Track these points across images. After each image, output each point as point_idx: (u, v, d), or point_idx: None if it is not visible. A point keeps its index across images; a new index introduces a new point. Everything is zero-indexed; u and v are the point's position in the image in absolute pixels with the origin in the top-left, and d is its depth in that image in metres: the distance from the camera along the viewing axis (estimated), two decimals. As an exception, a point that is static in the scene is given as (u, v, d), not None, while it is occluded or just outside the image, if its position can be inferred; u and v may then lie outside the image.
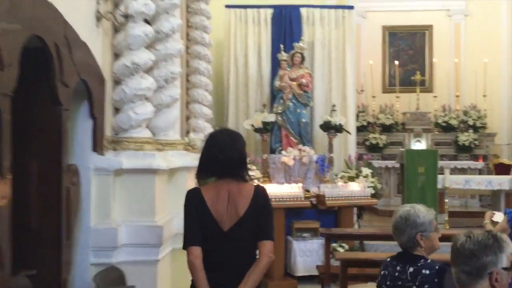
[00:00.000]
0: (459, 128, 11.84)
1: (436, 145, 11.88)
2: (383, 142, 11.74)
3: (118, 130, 3.49)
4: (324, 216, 6.22)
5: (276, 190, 5.90)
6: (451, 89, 12.52)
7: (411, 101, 12.42)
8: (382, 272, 2.61)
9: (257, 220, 2.28)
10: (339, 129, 6.49)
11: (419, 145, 11.85)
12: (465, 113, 12.05)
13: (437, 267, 2.40)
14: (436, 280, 2.37)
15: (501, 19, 12.41)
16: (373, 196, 6.38)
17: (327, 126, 6.54)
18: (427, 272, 2.40)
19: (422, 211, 2.57)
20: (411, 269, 2.45)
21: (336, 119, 6.45)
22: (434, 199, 7.72)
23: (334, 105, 6.69)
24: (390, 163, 11.21)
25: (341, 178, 6.52)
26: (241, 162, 2.37)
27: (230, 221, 2.29)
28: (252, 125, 6.64)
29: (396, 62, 12.42)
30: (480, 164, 11.40)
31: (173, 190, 3.82)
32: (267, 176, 6.65)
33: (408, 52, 13.04)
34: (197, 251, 2.28)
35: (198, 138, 5.26)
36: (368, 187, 6.35)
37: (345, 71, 7.40)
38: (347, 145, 7.42)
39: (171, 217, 3.71)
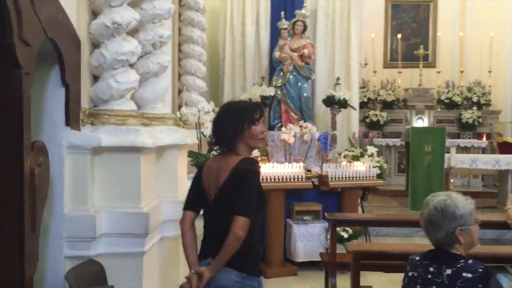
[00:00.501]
0: (463, 105, 11.51)
1: (438, 122, 11.57)
2: (383, 119, 11.40)
3: (97, 102, 3.00)
4: (326, 198, 5.79)
5: (275, 170, 5.45)
6: (455, 64, 12.13)
7: (413, 77, 12.04)
8: (410, 274, 2.18)
9: (233, 193, 2.25)
10: (343, 104, 6.01)
11: (421, 122, 11.49)
12: (469, 89, 11.70)
13: (480, 270, 1.97)
14: (479, 286, 1.93)
15: (508, -9, 11.86)
16: (379, 176, 5.95)
17: (330, 101, 6.06)
18: (469, 275, 1.96)
19: (460, 201, 2.13)
20: (448, 271, 2.02)
21: (341, 93, 5.96)
22: (440, 179, 7.33)
23: (338, 78, 6.19)
24: (390, 141, 10.83)
25: (345, 157, 6.07)
26: (229, 135, 2.33)
27: (214, 192, 2.33)
28: (250, 99, 6.13)
29: (399, 36, 11.94)
30: (483, 142, 11.10)
31: (161, 172, 3.36)
32: (266, 155, 6.19)
33: (411, 25, 12.54)
34: (185, 215, 2.43)
35: (191, 113, 4.77)
36: (374, 167, 5.91)
37: (349, 42, 6.89)
38: (350, 122, 6.96)
39: (159, 202, 3.25)
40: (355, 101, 6.77)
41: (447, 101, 11.58)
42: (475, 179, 11.13)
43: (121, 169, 2.90)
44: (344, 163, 5.80)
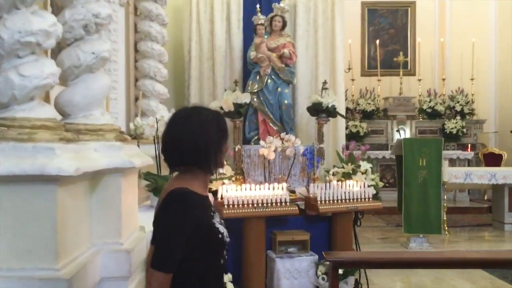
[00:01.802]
0: (446, 115, 11.03)
1: (421, 133, 11.11)
2: (364, 130, 10.78)
3: (-10, 106, 1.96)
4: (314, 224, 4.86)
5: (252, 192, 4.46)
6: (436, 72, 11.73)
7: (393, 85, 11.59)
8: None
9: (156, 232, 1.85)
10: (332, 112, 5.08)
11: (402, 133, 10.86)
12: (452, 98, 11.25)
13: None
14: None
15: (489, -4, 11.55)
16: (375, 197, 5.04)
17: (316, 109, 5.13)
18: None
19: None
20: None
21: (328, 100, 5.03)
22: (437, 197, 6.51)
23: (325, 82, 5.27)
24: (372, 153, 10.06)
25: (334, 175, 5.14)
26: (207, 150, 1.83)
27: None
28: (221, 108, 5.14)
29: (377, 42, 11.33)
30: (469, 154, 10.54)
31: (97, 208, 2.32)
32: (241, 174, 5.20)
33: (389, 31, 12.05)
34: (150, 249, 1.98)
35: (147, 124, 3.74)
36: (368, 186, 5.00)
37: (334, 41, 6.00)
38: (337, 133, 6.04)
39: (93, 253, 2.22)
40: (342, 109, 5.87)
41: (429, 110, 11.11)
42: (461, 193, 10.56)
43: (26, 209, 1.87)
44: (334, 182, 4.86)
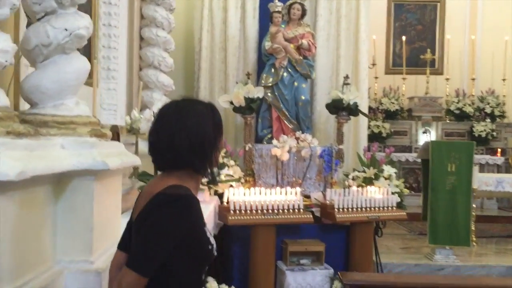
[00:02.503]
0: (475, 117, 10.43)
1: (447, 135, 10.52)
2: (386, 131, 10.26)
3: None
4: (330, 234, 4.41)
5: (262, 197, 4.01)
6: (466, 71, 11.10)
7: (418, 84, 11.00)
8: None
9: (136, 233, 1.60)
10: (354, 110, 4.58)
11: (426, 136, 10.27)
12: (482, 99, 10.65)
13: None
14: None
15: (524, -9, 10.90)
16: (399, 205, 4.54)
17: (336, 106, 4.64)
18: None
19: None
20: None
21: (350, 96, 4.54)
22: (467, 205, 5.91)
23: (347, 77, 4.77)
24: (394, 156, 9.51)
25: (354, 179, 4.65)
26: (202, 150, 1.59)
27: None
28: (231, 103, 4.69)
29: (403, 38, 10.75)
30: (499, 159, 9.93)
31: (63, 218, 1.90)
32: (251, 175, 4.75)
33: (416, 27, 11.43)
34: (115, 255, 1.76)
35: (144, 118, 3.32)
36: (392, 193, 4.50)
37: (358, 34, 5.49)
38: (359, 134, 5.54)
39: (55, 273, 1.81)
40: (365, 107, 5.36)
41: (457, 111, 10.51)
42: (489, 201, 9.94)
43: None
44: (354, 188, 4.38)
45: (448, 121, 10.49)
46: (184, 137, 1.56)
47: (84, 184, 1.92)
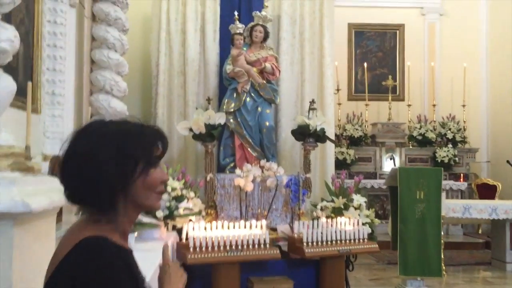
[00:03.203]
0: (437, 142, 10.46)
1: (411, 161, 10.50)
2: (351, 157, 10.10)
3: None
4: (299, 270, 4.09)
5: (225, 232, 3.66)
6: (426, 97, 11.22)
7: (381, 110, 11.00)
8: None
9: None
10: (321, 136, 4.34)
11: (390, 163, 10.20)
12: (443, 124, 10.69)
13: None
14: None
15: (480, 19, 11.45)
16: (370, 236, 4.28)
17: (302, 133, 4.38)
18: None
19: None
20: None
21: (317, 122, 4.30)
22: (437, 234, 5.73)
23: (313, 101, 4.54)
24: (360, 183, 9.31)
25: (322, 210, 4.37)
26: (104, 185, 1.18)
27: None
28: (191, 130, 4.36)
29: (365, 65, 10.79)
30: (463, 184, 9.93)
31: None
32: (213, 207, 4.39)
33: (377, 54, 11.51)
34: None
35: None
36: (363, 223, 4.25)
37: (322, 58, 5.30)
38: (325, 161, 5.29)
39: None
40: (331, 134, 5.14)
41: (419, 137, 10.51)
42: (454, 227, 9.88)
43: None
44: (323, 219, 4.09)
45: (411, 147, 10.47)
46: (73, 165, 1.20)
47: (0, 230, 1.54)
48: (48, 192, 1.78)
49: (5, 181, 1.57)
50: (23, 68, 3.38)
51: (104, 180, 1.16)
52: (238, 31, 4.65)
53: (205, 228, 3.66)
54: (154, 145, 1.22)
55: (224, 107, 4.62)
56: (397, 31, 11.29)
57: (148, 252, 2.97)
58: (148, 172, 1.19)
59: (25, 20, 3.37)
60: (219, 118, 4.33)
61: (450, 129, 10.44)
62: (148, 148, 1.21)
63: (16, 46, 1.80)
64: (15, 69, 3.25)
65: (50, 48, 3.66)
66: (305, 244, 3.87)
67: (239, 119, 4.64)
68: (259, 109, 4.66)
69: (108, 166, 1.16)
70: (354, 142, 10.27)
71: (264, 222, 3.87)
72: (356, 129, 10.37)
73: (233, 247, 3.65)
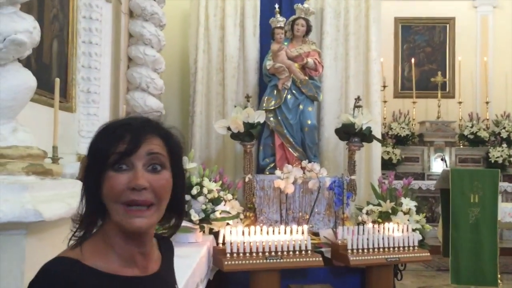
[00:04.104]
0: (490, 142, 9.95)
1: (461, 161, 10.02)
2: (397, 157, 9.77)
3: None
4: (343, 278, 3.86)
5: (264, 237, 3.46)
6: (479, 94, 10.65)
7: (429, 108, 10.55)
8: None
9: None
10: (367, 136, 4.06)
11: (441, 164, 9.73)
12: (497, 123, 10.17)
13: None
14: None
15: (536, 11, 10.61)
16: (420, 243, 3.97)
17: (347, 132, 4.11)
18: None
19: None
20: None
21: (363, 120, 4.02)
22: (493, 241, 5.32)
23: (358, 98, 4.26)
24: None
25: (368, 214, 4.09)
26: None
27: None
28: (229, 128, 4.18)
29: (412, 61, 10.36)
30: (518, 186, 9.35)
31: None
32: (252, 210, 4.19)
33: (425, 49, 11.04)
34: None
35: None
36: (413, 230, 3.94)
37: (368, 53, 5.00)
38: (371, 162, 4.99)
39: None
40: (378, 132, 4.84)
41: (471, 136, 10.03)
42: (509, 231, 9.33)
43: None
44: (369, 225, 3.82)
45: (462, 146, 10.00)
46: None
47: (11, 240, 1.39)
48: (67, 197, 1.62)
49: (17, 186, 1.42)
50: (57, 65, 3.30)
51: (84, 190, 0.98)
52: (279, 25, 4.42)
53: (243, 233, 3.48)
54: (116, 140, 0.95)
55: (264, 104, 4.41)
56: (447, 25, 10.78)
57: (182, 259, 2.81)
58: (105, 176, 0.94)
59: (59, 15, 3.28)
60: (259, 117, 4.13)
61: (504, 128, 9.93)
62: (106, 145, 0.95)
63: (35, 38, 1.65)
64: (48, 66, 3.17)
65: (85, 45, 3.57)
66: (349, 251, 3.62)
67: (279, 118, 4.41)
68: (301, 106, 4.41)
69: (88, 164, 0.99)
70: (400, 141, 9.90)
71: (305, 227, 3.64)
72: (403, 128, 9.99)
73: (273, 253, 3.45)
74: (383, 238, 3.74)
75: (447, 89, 10.55)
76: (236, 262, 3.33)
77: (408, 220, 4.04)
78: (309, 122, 4.41)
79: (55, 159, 2.19)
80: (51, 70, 3.12)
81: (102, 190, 0.94)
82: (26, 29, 1.60)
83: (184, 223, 3.34)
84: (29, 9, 2.58)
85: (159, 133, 1.00)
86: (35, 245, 1.44)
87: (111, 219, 0.95)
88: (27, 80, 1.66)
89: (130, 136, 0.95)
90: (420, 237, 4.01)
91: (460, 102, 10.19)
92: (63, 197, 1.58)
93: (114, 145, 0.94)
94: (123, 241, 0.97)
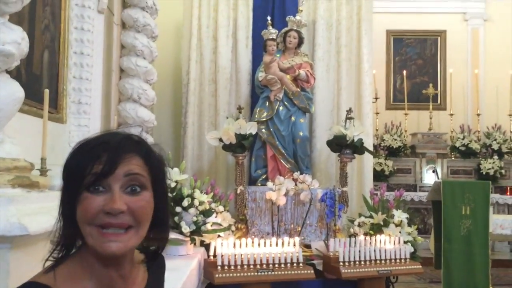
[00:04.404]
0: (481, 154, 9.99)
1: (453, 173, 10.06)
2: (389, 169, 9.76)
3: None
4: (335, 290, 3.78)
5: (255, 250, 3.44)
6: (470, 106, 10.73)
7: (421, 120, 10.63)
8: None
9: None
10: (358, 148, 4.06)
11: (432, 175, 9.76)
12: (488, 135, 10.23)
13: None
14: None
15: (526, 24, 10.72)
16: (413, 257, 3.96)
17: (339, 143, 4.11)
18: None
19: None
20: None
21: (354, 132, 4.03)
22: (485, 253, 5.32)
23: (350, 110, 4.26)
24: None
25: (360, 226, 4.08)
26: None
27: None
28: (220, 140, 4.17)
29: (404, 73, 10.44)
30: (510, 198, 9.40)
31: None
32: (243, 221, 4.17)
33: (416, 61, 11.13)
34: None
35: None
36: (405, 242, 3.93)
37: (360, 65, 5.02)
38: (363, 174, 4.99)
39: None
40: (369, 144, 4.84)
41: (462, 148, 10.08)
42: (501, 243, 9.34)
43: None
44: (361, 237, 3.80)
45: (453, 158, 10.04)
46: None
47: (-5, 256, 1.37)
48: (54, 210, 1.60)
49: (3, 199, 1.39)
50: (48, 76, 3.28)
51: (60, 210, 0.94)
52: (271, 37, 4.43)
53: (234, 245, 3.45)
54: (92, 160, 0.90)
55: (256, 116, 4.40)
56: (439, 38, 10.88)
57: (172, 271, 2.78)
58: (80, 197, 0.89)
59: (50, 26, 3.27)
60: (251, 128, 4.12)
61: (495, 140, 9.98)
62: (81, 165, 0.90)
63: (24, 50, 1.63)
64: (39, 76, 3.15)
65: (77, 56, 3.56)
66: (341, 263, 3.60)
67: (271, 129, 4.40)
68: (293, 118, 4.41)
69: (61, 191, 0.94)
70: (392, 152, 9.91)
71: (297, 239, 3.62)
72: (395, 139, 10.02)
73: (264, 265, 3.42)
74: (374, 250, 3.72)
75: (439, 101, 10.61)
76: (227, 274, 3.30)
77: (400, 232, 4.03)
78: (301, 133, 4.40)
79: (43, 171, 2.17)
80: (41, 80, 3.10)
81: (77, 212, 0.90)
82: (14, 40, 1.58)
83: (175, 235, 3.32)
84: (20, 20, 2.57)
85: (139, 151, 0.94)
86: (20, 259, 1.42)
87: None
88: (15, 91, 1.64)
89: (107, 156, 0.89)
90: (412, 249, 4.00)
91: (451, 114, 10.24)
92: (49, 210, 1.56)
93: (90, 165, 0.89)
94: (101, 264, 0.92)
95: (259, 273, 3.37)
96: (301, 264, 3.51)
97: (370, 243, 3.76)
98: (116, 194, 0.88)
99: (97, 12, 3.76)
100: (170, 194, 3.42)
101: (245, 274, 3.33)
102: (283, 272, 3.44)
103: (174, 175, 3.45)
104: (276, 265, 3.44)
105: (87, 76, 3.61)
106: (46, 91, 2.32)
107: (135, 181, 0.91)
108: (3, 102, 1.58)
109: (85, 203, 0.88)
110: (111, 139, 0.93)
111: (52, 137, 2.98)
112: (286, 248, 3.54)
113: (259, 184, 4.43)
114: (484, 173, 9.64)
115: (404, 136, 10.22)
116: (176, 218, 3.38)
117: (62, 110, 3.42)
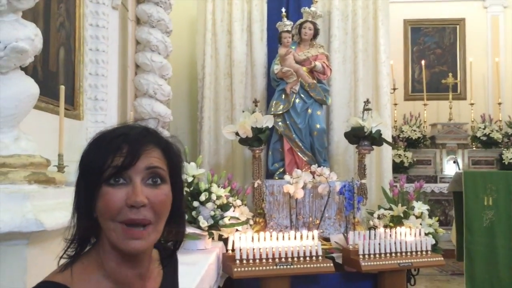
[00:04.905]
0: (503, 143, 9.79)
1: (474, 164, 9.87)
2: (408, 160, 9.64)
3: None
4: (355, 283, 3.79)
5: (273, 243, 3.42)
6: (491, 95, 10.50)
7: (440, 110, 10.44)
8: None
9: None
10: (377, 139, 4.00)
11: (453, 166, 9.61)
12: (510, 124, 9.99)
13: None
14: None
15: (547, 10, 10.46)
16: (433, 248, 3.90)
17: (357, 135, 4.06)
18: None
19: None
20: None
21: (372, 123, 3.97)
22: (509, 245, 5.22)
23: (368, 101, 4.20)
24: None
25: (380, 218, 4.03)
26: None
27: None
28: (237, 133, 4.15)
29: (423, 62, 10.27)
30: (533, 189, 9.14)
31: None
32: (261, 215, 4.15)
33: (435, 51, 10.93)
34: None
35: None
36: (426, 234, 3.87)
37: (377, 55, 4.95)
38: (382, 166, 4.92)
39: None
40: (388, 136, 4.77)
41: (484, 138, 9.87)
42: (524, 235, 9.13)
43: None
44: (381, 229, 3.75)
45: (474, 148, 9.86)
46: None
47: (12, 251, 1.37)
48: (70, 206, 1.60)
49: (19, 196, 1.39)
50: (64, 73, 3.30)
51: (74, 206, 0.92)
52: (286, 29, 4.39)
53: (253, 239, 3.44)
54: (112, 152, 0.87)
55: (272, 109, 4.37)
56: (457, 26, 10.67)
57: (191, 266, 2.78)
58: (99, 191, 0.87)
59: (65, 23, 3.28)
60: (267, 121, 4.09)
61: (518, 129, 9.80)
62: (101, 158, 0.87)
63: (37, 46, 1.63)
64: (55, 74, 3.17)
65: (92, 52, 3.57)
66: (361, 256, 3.56)
67: (288, 122, 4.37)
68: (310, 110, 4.37)
69: (76, 186, 0.92)
70: (411, 144, 9.78)
71: (316, 232, 3.59)
72: (414, 130, 9.89)
73: (283, 259, 3.40)
74: (395, 243, 3.67)
75: (459, 91, 10.42)
76: (246, 268, 3.29)
77: (421, 224, 3.97)
78: (318, 126, 4.36)
79: (60, 167, 2.18)
80: (58, 78, 3.11)
81: (96, 207, 0.88)
82: (27, 36, 1.58)
83: (193, 230, 3.32)
84: (35, 18, 2.58)
85: (159, 143, 0.93)
86: (37, 255, 1.42)
87: (105, 237, 0.90)
88: (29, 87, 1.64)
89: (128, 148, 0.88)
90: (433, 241, 3.93)
91: (472, 104, 10.05)
92: (66, 206, 1.56)
93: (110, 157, 0.87)
94: (118, 262, 0.91)
95: (278, 267, 3.36)
96: (320, 258, 3.48)
97: (390, 235, 3.71)
98: (138, 187, 0.87)
99: (111, 8, 3.77)
100: (187, 189, 3.42)
101: (264, 268, 3.32)
102: (302, 266, 3.42)
103: (191, 170, 3.45)
104: (295, 259, 3.42)
105: (103, 72, 3.62)
106: (62, 88, 2.33)
107: (155, 174, 0.90)
108: (18, 99, 1.58)
109: (107, 198, 0.86)
110: (129, 131, 0.91)
111: (70, 133, 3.00)
112: (305, 241, 3.51)
113: (277, 178, 4.40)
114: (506, 163, 9.45)
115: (424, 127, 10.07)
116: (193, 213, 3.38)
117: (79, 107, 3.44)
